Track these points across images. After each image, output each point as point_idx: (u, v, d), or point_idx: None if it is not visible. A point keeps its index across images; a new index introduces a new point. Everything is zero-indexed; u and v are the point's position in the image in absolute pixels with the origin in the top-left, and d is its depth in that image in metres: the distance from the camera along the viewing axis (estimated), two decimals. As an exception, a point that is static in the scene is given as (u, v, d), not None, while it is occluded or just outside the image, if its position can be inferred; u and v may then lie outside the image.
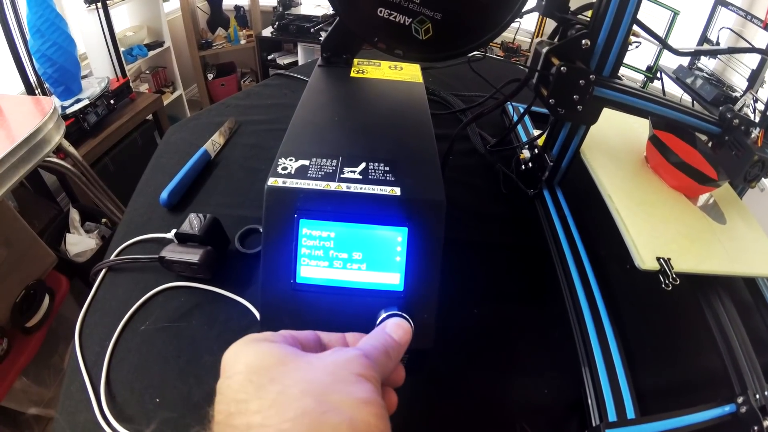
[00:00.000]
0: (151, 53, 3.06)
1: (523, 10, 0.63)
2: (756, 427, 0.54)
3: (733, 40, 2.15)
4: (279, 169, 0.46)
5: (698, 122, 0.70)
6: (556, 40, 0.70)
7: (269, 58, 3.87)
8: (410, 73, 0.73)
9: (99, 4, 2.38)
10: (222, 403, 0.28)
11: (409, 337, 0.38)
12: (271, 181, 0.44)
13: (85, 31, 2.45)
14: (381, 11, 0.61)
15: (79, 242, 1.77)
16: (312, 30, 3.49)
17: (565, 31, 0.68)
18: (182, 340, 0.60)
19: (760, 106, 0.73)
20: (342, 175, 0.45)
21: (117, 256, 0.71)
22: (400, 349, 0.37)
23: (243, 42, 3.70)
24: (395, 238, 0.44)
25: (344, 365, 0.30)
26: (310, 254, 0.44)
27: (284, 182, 0.44)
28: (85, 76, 2.29)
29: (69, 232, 1.81)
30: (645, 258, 0.62)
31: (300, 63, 3.71)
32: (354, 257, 0.44)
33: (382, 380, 0.34)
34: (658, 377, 0.63)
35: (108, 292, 0.67)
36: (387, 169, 0.47)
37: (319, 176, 0.45)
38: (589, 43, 0.63)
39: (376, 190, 0.44)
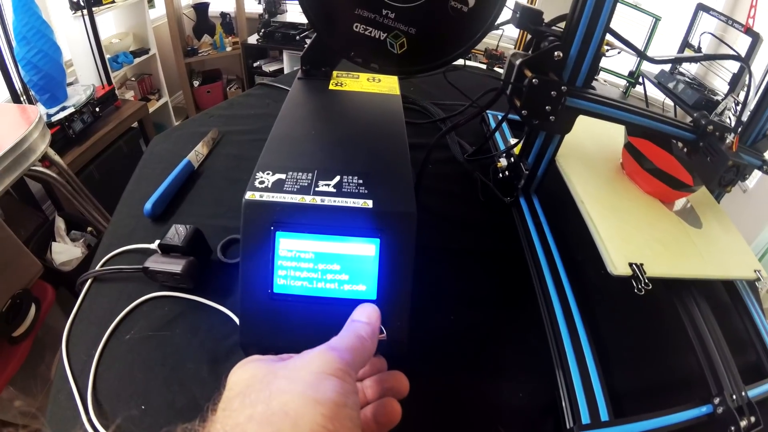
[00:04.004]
0: (137, 60, 3.05)
1: (497, 23, 0.64)
2: (733, 427, 0.55)
3: (714, 45, 2.18)
4: (256, 183, 0.47)
5: (673, 129, 0.71)
6: (530, 51, 0.72)
7: (255, 65, 3.87)
8: (388, 85, 0.75)
9: (85, 11, 2.38)
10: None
11: (377, 316, 0.40)
12: (249, 195, 0.45)
13: (71, 39, 2.45)
14: (357, 26, 0.62)
15: (65, 251, 1.76)
16: (298, 37, 3.50)
17: (539, 43, 0.70)
18: (166, 349, 0.61)
19: (743, 109, 0.75)
20: (317, 189, 0.47)
21: (102, 266, 0.72)
22: (372, 329, 0.38)
23: (229, 49, 3.69)
24: (368, 249, 0.45)
25: (304, 366, 0.32)
26: (286, 265, 0.45)
27: (261, 196, 0.46)
28: (70, 84, 2.29)
29: (54, 240, 1.80)
30: (617, 264, 0.63)
31: (286, 71, 3.70)
32: (328, 268, 0.45)
33: (363, 365, 0.36)
34: (635, 380, 0.64)
35: (94, 302, 0.67)
36: (360, 182, 0.48)
37: (295, 190, 0.47)
38: (561, 54, 0.65)
39: (349, 202, 0.46)
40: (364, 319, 0.39)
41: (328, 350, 0.33)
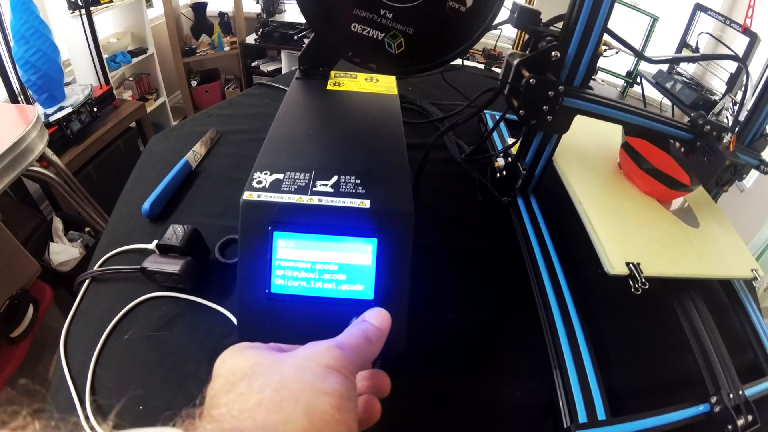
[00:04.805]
0: (135, 60, 3.05)
1: (495, 23, 0.64)
2: (730, 426, 0.55)
3: (712, 45, 2.18)
4: (254, 183, 0.47)
5: (670, 129, 0.72)
6: (528, 51, 0.72)
7: (253, 65, 3.86)
8: (386, 85, 0.75)
9: (83, 11, 2.38)
10: (207, 402, 0.31)
11: (388, 323, 0.39)
12: (246, 195, 0.45)
13: (69, 38, 2.45)
14: (355, 26, 0.62)
15: (63, 251, 1.77)
16: (296, 37, 3.49)
17: (537, 43, 0.70)
18: (165, 349, 0.61)
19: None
20: (314, 189, 0.47)
21: (100, 266, 0.72)
22: (381, 333, 0.38)
23: (227, 49, 3.69)
24: (365, 249, 0.45)
25: (312, 357, 0.32)
26: (284, 265, 0.45)
27: (259, 196, 0.46)
28: (68, 84, 2.29)
29: (52, 241, 1.80)
30: (614, 263, 0.63)
31: (284, 70, 3.70)
32: (326, 268, 0.45)
33: (364, 367, 0.36)
34: (633, 379, 0.64)
35: (92, 302, 0.67)
36: (358, 181, 0.48)
37: (293, 190, 0.46)
38: (558, 54, 0.65)
39: (347, 202, 0.46)
40: (375, 323, 0.38)
41: (336, 348, 0.33)
